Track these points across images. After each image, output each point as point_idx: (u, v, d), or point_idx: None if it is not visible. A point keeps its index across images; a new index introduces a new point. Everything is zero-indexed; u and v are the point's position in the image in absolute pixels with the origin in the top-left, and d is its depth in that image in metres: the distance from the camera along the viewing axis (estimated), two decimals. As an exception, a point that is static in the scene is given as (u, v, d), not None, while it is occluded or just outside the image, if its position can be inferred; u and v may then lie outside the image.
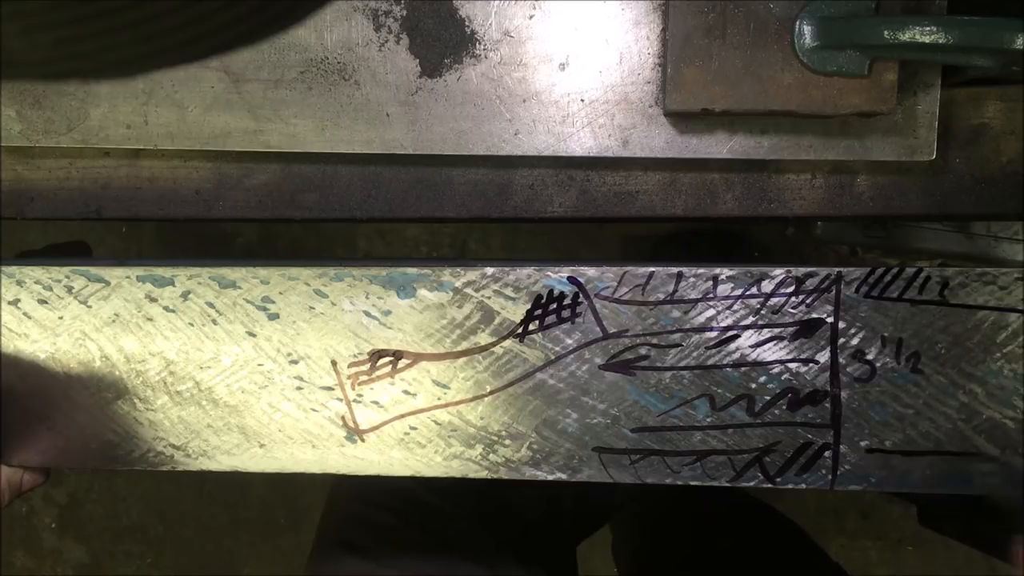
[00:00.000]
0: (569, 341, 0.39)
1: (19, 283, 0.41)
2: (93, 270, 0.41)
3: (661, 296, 0.38)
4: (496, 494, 0.67)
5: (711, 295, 0.38)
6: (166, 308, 0.40)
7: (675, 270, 0.38)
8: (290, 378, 0.40)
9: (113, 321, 0.41)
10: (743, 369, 0.38)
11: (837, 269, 0.37)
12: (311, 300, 0.40)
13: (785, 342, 0.38)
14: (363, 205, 0.43)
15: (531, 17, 0.39)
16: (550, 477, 0.40)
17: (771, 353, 0.38)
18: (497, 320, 0.39)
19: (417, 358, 0.40)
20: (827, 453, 0.38)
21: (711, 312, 0.38)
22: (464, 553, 0.63)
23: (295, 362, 0.40)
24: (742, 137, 0.39)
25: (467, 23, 0.39)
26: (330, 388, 0.40)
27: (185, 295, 0.40)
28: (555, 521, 0.74)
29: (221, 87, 0.40)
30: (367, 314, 0.40)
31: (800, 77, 0.36)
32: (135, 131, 0.41)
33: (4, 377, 0.41)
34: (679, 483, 0.39)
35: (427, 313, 0.39)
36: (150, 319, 0.41)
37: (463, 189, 0.43)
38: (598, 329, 0.39)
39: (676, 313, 0.38)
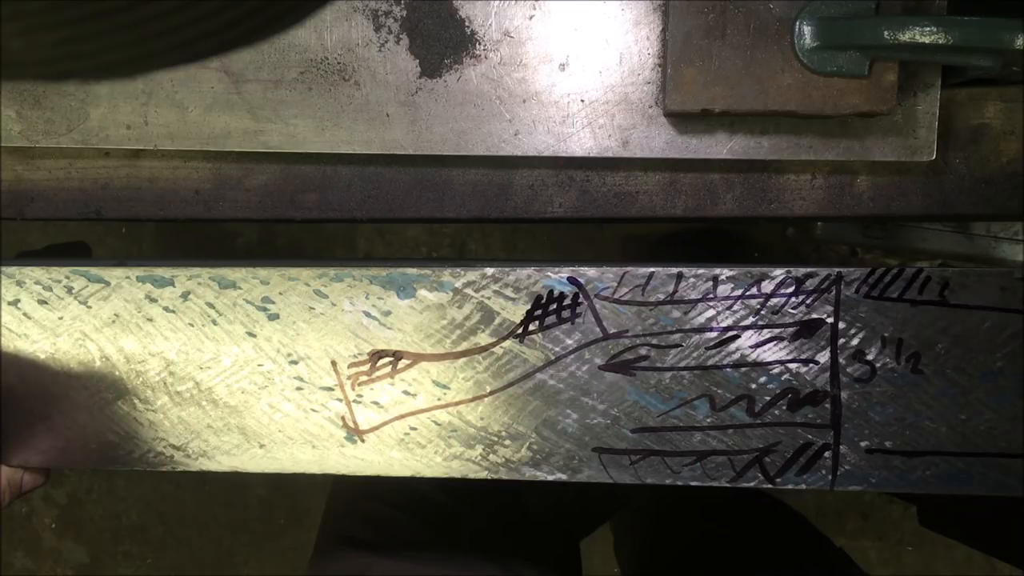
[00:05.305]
0: (569, 341, 0.39)
1: (19, 283, 0.41)
2: (93, 270, 0.41)
3: (661, 296, 0.38)
4: (501, 490, 0.67)
5: (711, 295, 0.38)
6: (166, 308, 0.40)
7: (675, 270, 0.38)
8: (290, 378, 0.40)
9: (113, 321, 0.41)
10: (743, 369, 0.38)
11: (837, 269, 0.37)
12: (311, 300, 0.40)
13: (785, 342, 0.38)
14: (363, 205, 0.43)
15: (531, 17, 0.39)
16: (550, 478, 0.40)
17: (771, 353, 0.38)
18: (497, 320, 0.39)
19: (417, 358, 0.40)
20: (827, 453, 0.38)
21: (711, 312, 0.38)
22: (474, 551, 0.62)
23: (295, 362, 0.40)
24: (742, 137, 0.39)
25: (467, 23, 0.39)
26: (330, 388, 0.40)
27: (185, 295, 0.40)
28: (558, 516, 0.74)
29: (221, 87, 0.40)
30: (367, 314, 0.40)
31: (800, 77, 0.36)
32: (135, 131, 0.41)
33: (4, 377, 0.41)
34: (679, 483, 0.39)
35: (427, 313, 0.39)
36: (150, 319, 0.41)
37: (463, 189, 0.43)
38: (598, 329, 0.39)
39: (676, 313, 0.38)
